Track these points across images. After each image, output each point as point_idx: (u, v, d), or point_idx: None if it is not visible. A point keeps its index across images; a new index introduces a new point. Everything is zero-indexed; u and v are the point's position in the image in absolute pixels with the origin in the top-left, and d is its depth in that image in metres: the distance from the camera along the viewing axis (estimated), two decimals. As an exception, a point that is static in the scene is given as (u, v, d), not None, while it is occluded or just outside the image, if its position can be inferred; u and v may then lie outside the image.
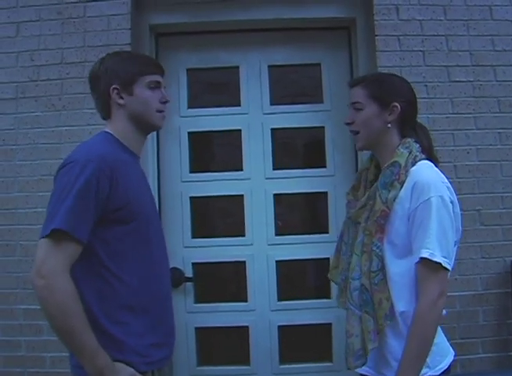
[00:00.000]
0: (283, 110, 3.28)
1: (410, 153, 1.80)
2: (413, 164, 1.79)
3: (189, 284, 3.16)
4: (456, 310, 2.93)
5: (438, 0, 3.07)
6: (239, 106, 3.31)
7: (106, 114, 1.92)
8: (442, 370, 1.77)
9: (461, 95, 3.03)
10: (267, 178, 3.24)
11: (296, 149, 3.50)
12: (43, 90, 3.03)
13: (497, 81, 3.05)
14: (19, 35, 3.08)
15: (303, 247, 3.18)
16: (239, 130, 3.29)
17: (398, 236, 1.77)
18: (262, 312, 3.17)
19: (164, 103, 1.93)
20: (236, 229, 3.24)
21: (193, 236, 3.22)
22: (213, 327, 3.21)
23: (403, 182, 1.76)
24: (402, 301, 1.76)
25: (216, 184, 3.24)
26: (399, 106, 1.85)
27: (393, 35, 3.05)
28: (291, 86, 3.40)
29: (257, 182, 3.24)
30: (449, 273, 1.75)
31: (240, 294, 3.22)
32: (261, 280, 3.18)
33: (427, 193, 1.71)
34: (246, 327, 3.19)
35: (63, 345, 2.89)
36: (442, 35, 3.06)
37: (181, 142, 3.26)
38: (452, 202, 1.76)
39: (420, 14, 3.06)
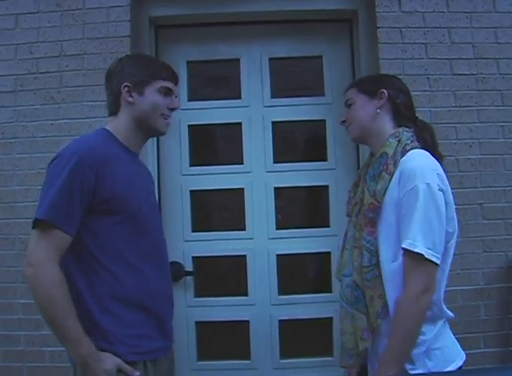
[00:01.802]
0: (283, 103, 3.26)
1: (399, 142, 1.77)
2: (403, 154, 1.75)
3: (189, 278, 3.15)
4: (457, 304, 2.91)
5: (441, -8, 3.06)
6: (240, 99, 3.30)
7: (115, 111, 1.96)
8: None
9: (464, 88, 3.01)
10: (268, 172, 3.22)
11: (297, 142, 3.48)
12: (42, 83, 3.02)
13: (500, 74, 3.03)
14: (17, 27, 3.06)
15: (304, 241, 3.17)
16: (240, 123, 3.27)
17: (391, 229, 1.72)
18: (263, 306, 3.16)
19: (172, 109, 1.97)
20: (237, 222, 3.23)
21: (193, 230, 3.21)
22: (213, 321, 3.20)
23: (392, 172, 1.72)
24: (393, 301, 1.70)
25: (216, 177, 3.23)
26: (386, 92, 1.86)
27: (395, 27, 3.02)
28: (292, 79, 3.38)
29: (258, 176, 3.22)
30: (438, 267, 1.69)
31: (241, 288, 3.21)
32: (262, 274, 3.17)
33: (412, 180, 1.66)
34: (247, 321, 3.18)
35: (62, 340, 2.89)
36: (445, 27, 3.04)
37: (181, 136, 3.25)
38: (442, 190, 1.69)
39: (423, 6, 3.04)
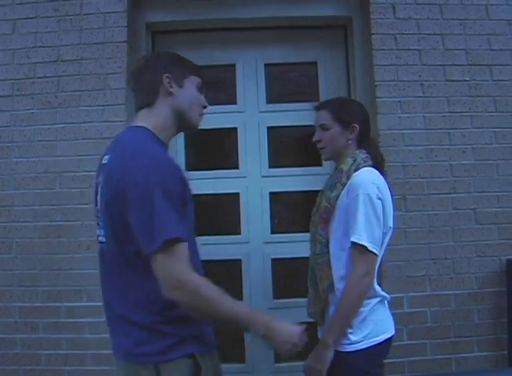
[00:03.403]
0: (279, 108, 3.29)
1: (354, 161, 2.16)
2: (356, 170, 2.13)
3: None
4: (451, 309, 2.94)
5: (435, -1, 3.09)
6: (236, 104, 3.32)
7: (151, 102, 1.89)
8: (376, 343, 2.06)
9: (457, 94, 3.04)
10: (263, 177, 3.24)
11: (292, 147, 3.49)
12: (39, 87, 3.03)
13: (493, 80, 3.06)
14: (15, 32, 3.07)
15: (299, 246, 3.17)
16: (235, 128, 3.30)
17: (339, 226, 2.12)
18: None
19: (204, 107, 2.00)
20: (232, 227, 3.25)
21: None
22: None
23: (345, 184, 2.13)
24: (339, 279, 2.11)
25: (212, 182, 3.25)
26: (357, 127, 2.22)
27: (389, 34, 3.05)
28: (288, 84, 3.40)
29: (253, 181, 3.24)
30: (377, 258, 2.09)
31: (236, 293, 3.22)
32: (257, 279, 3.18)
33: (356, 190, 2.06)
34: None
35: (58, 343, 2.92)
36: (438, 34, 3.07)
37: (177, 140, 3.25)
38: (380, 199, 2.06)
39: (417, 13, 3.07)
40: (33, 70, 3.04)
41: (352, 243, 2.03)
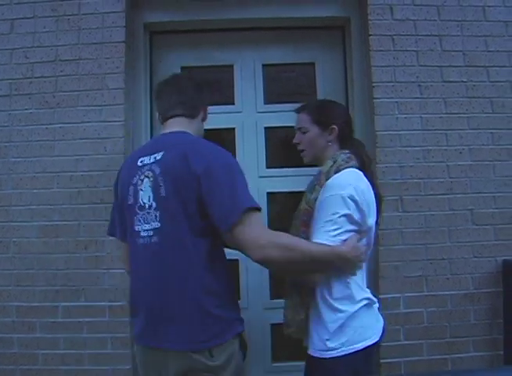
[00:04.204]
0: (276, 108, 3.29)
1: (334, 162, 2.16)
2: (337, 171, 2.13)
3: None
4: (447, 309, 2.95)
5: (432, 0, 3.09)
6: (233, 104, 3.33)
7: (192, 115, 2.23)
8: (355, 350, 2.02)
9: (454, 96, 3.05)
10: (260, 177, 3.25)
11: (289, 148, 3.48)
12: (37, 87, 3.03)
13: (490, 81, 3.07)
14: (13, 32, 3.07)
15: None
16: (233, 128, 3.30)
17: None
18: (256, 310, 3.18)
19: None
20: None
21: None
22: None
23: (323, 185, 2.11)
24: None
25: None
26: (337, 128, 2.24)
27: (387, 35, 3.06)
28: (285, 85, 3.41)
29: (251, 181, 3.18)
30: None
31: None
32: (254, 279, 3.19)
33: (330, 191, 2.05)
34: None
35: (55, 343, 2.92)
36: (436, 35, 3.07)
37: (175, 140, 3.26)
38: (354, 200, 2.03)
39: (414, 14, 3.08)
40: (31, 70, 3.04)
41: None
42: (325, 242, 1.99)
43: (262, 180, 3.24)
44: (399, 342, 2.93)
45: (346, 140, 2.27)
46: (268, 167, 3.27)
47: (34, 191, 2.97)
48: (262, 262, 1.91)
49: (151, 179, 2.01)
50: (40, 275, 2.95)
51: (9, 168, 3.00)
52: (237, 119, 3.30)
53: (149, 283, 2.01)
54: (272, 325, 3.18)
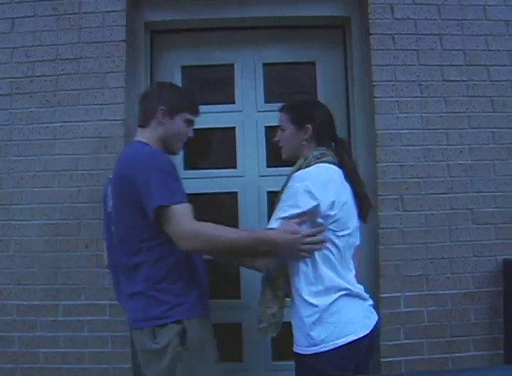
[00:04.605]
0: (277, 108, 3.25)
1: (305, 159, 2.24)
2: (308, 167, 2.20)
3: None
4: (447, 308, 2.95)
5: (433, -1, 3.09)
6: (234, 103, 3.33)
7: (145, 124, 2.35)
8: (337, 345, 2.03)
9: (455, 95, 3.05)
10: (261, 176, 3.25)
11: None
12: (38, 86, 3.03)
13: (490, 80, 3.07)
14: (14, 31, 3.07)
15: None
16: (234, 127, 3.30)
17: None
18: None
19: (189, 137, 2.43)
20: (230, 226, 3.23)
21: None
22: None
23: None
24: (292, 275, 2.19)
25: (210, 181, 3.26)
26: (311, 128, 2.29)
27: (387, 34, 3.06)
28: (286, 84, 3.41)
29: (251, 180, 3.25)
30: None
31: (235, 293, 3.23)
32: (256, 282, 3.18)
33: (292, 181, 2.14)
34: (240, 324, 3.21)
35: (56, 341, 2.93)
36: (436, 34, 3.07)
37: (175, 139, 3.27)
38: (309, 191, 2.07)
39: (415, 13, 3.07)
40: (31, 69, 3.05)
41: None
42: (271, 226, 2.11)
43: (262, 179, 3.24)
44: (399, 341, 2.93)
45: (323, 140, 2.32)
46: (268, 166, 3.27)
47: (35, 190, 2.97)
48: (189, 252, 2.16)
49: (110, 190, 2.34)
50: (40, 273, 2.95)
51: (9, 167, 3.00)
52: (237, 118, 3.31)
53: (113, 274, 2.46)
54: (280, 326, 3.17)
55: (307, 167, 2.20)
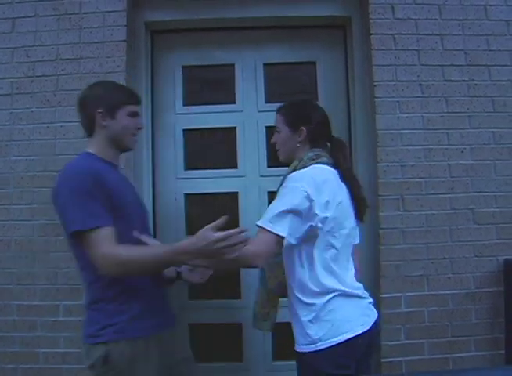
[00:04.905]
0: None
1: (300, 161, 2.23)
2: (303, 168, 2.19)
3: (184, 283, 3.16)
4: (448, 308, 2.95)
5: (433, -1, 3.09)
6: (234, 103, 3.33)
7: (90, 133, 2.23)
8: (335, 343, 2.03)
9: (456, 95, 3.04)
10: (261, 176, 3.25)
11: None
12: (38, 86, 3.03)
13: (491, 80, 3.06)
14: (14, 31, 3.07)
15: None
16: (234, 127, 3.30)
17: None
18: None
19: (139, 129, 2.29)
20: (231, 227, 3.23)
21: (188, 235, 3.22)
22: (205, 323, 3.23)
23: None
24: (288, 276, 2.20)
25: (211, 181, 3.26)
26: (305, 130, 2.27)
27: (388, 34, 3.05)
28: (286, 84, 3.40)
29: (252, 180, 3.25)
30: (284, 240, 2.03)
31: (235, 292, 3.23)
32: (256, 280, 3.18)
33: (287, 182, 2.11)
34: (240, 324, 3.21)
35: (56, 342, 2.92)
36: (437, 34, 3.07)
37: (176, 140, 3.27)
38: (307, 192, 2.03)
39: (415, 13, 3.07)
40: (32, 69, 3.05)
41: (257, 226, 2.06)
42: (262, 224, 2.03)
43: (263, 179, 3.24)
44: (400, 342, 2.93)
45: (318, 141, 2.30)
46: (269, 166, 3.26)
47: (35, 190, 2.97)
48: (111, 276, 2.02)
49: None
50: (41, 273, 2.95)
51: (10, 167, 3.00)
52: (238, 118, 3.30)
53: None
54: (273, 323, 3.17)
55: (302, 168, 2.19)
